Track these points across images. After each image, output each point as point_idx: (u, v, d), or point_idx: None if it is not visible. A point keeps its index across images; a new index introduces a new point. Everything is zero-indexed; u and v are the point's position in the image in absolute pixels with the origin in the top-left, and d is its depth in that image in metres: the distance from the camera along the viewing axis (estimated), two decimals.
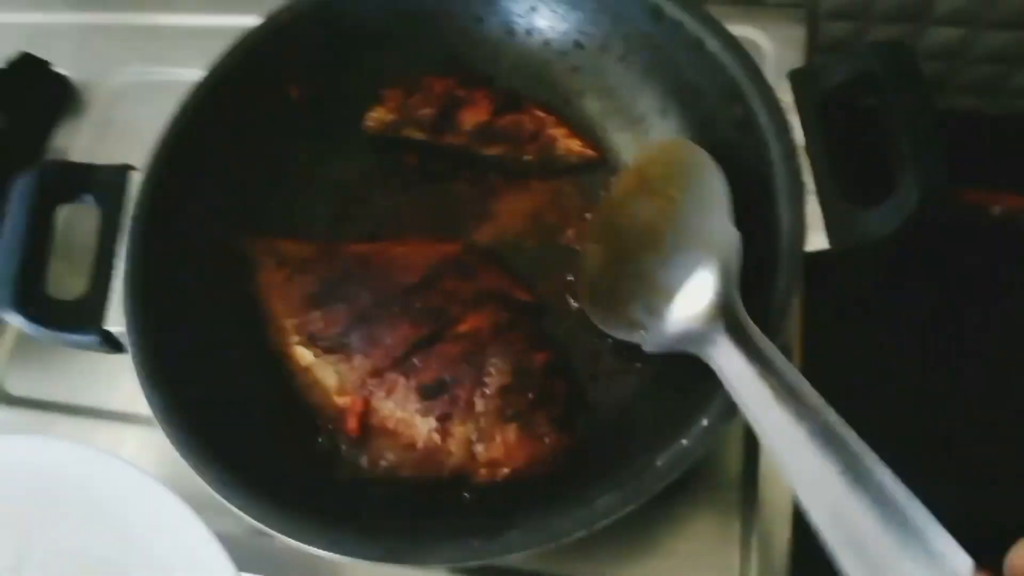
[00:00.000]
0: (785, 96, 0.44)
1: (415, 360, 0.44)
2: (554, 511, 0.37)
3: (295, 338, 0.46)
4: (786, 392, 0.33)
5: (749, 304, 0.40)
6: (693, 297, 0.39)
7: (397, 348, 0.44)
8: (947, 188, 0.39)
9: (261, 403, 0.46)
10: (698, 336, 0.37)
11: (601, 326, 0.45)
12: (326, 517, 0.39)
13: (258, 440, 0.44)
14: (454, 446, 0.42)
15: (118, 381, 0.55)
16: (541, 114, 0.53)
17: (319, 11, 0.52)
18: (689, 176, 0.43)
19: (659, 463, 0.37)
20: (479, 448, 0.42)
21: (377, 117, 0.53)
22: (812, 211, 0.41)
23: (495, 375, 0.43)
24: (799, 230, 0.40)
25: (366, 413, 0.44)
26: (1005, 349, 0.65)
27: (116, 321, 0.44)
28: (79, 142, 0.65)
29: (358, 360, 0.44)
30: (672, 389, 0.44)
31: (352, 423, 0.44)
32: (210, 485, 0.38)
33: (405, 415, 0.43)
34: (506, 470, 0.42)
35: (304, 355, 0.46)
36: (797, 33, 0.60)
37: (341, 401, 0.44)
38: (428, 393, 0.43)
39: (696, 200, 0.42)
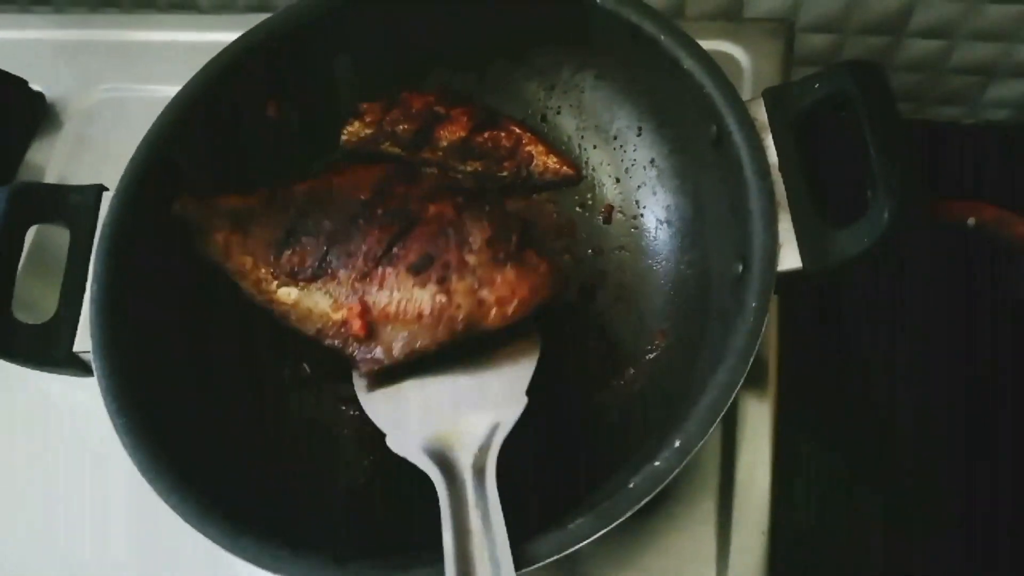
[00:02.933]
0: (760, 114, 0.44)
1: (395, 251, 0.45)
2: (527, 534, 0.37)
3: (275, 283, 0.47)
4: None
5: (722, 325, 0.40)
6: (465, 434, 0.42)
7: (374, 250, 0.46)
8: (919, 209, 0.39)
9: (239, 424, 0.46)
10: (447, 463, 0.40)
11: (365, 395, 0.46)
12: (301, 544, 0.38)
13: (234, 463, 0.43)
14: (460, 299, 0.43)
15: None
16: (518, 131, 0.53)
17: (296, 29, 0.52)
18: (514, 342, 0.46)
19: (632, 485, 0.37)
20: (484, 293, 0.43)
21: (354, 131, 0.53)
22: (786, 229, 0.41)
23: (476, 233, 0.45)
24: (772, 249, 0.40)
25: (366, 311, 0.45)
26: (981, 359, 0.66)
27: (87, 342, 0.44)
28: (54, 159, 0.65)
29: (343, 275, 0.46)
30: (645, 410, 0.44)
31: (356, 325, 0.44)
32: (179, 514, 0.38)
33: (403, 294, 0.44)
34: (515, 304, 0.43)
35: (289, 293, 0.47)
36: (775, 47, 0.60)
37: (339, 315, 0.45)
38: (419, 268, 0.44)
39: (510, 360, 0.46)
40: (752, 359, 0.38)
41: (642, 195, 0.51)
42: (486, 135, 0.52)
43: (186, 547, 0.40)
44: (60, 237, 0.47)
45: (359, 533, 0.43)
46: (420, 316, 0.43)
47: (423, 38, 0.53)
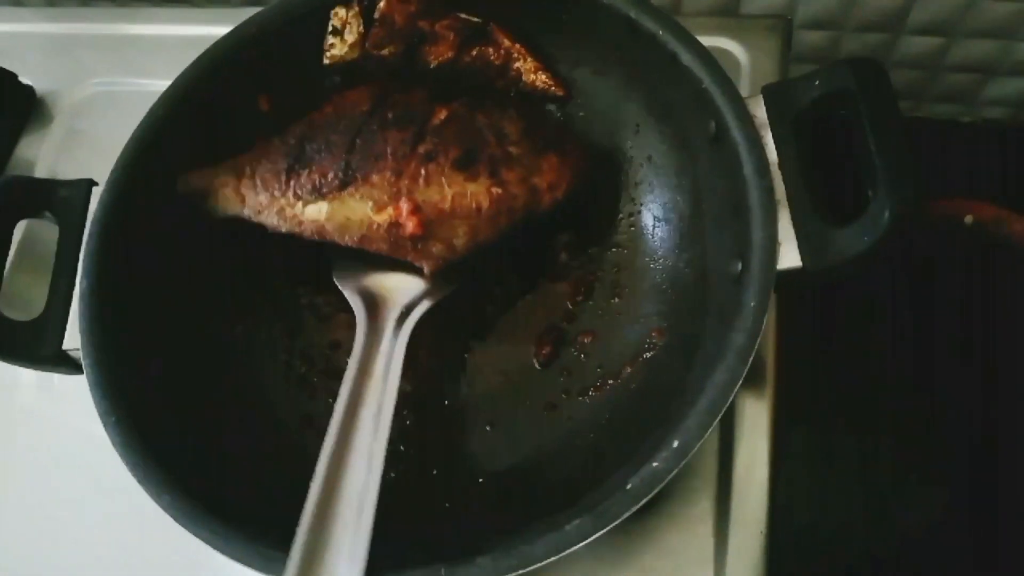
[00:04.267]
0: (759, 111, 0.44)
1: (430, 148, 0.45)
2: (524, 536, 0.37)
3: (299, 204, 0.46)
4: None
5: (721, 323, 0.40)
6: (398, 290, 0.48)
7: (400, 149, 0.45)
8: (919, 207, 0.38)
9: (230, 422, 0.45)
10: (375, 307, 0.47)
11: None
12: (289, 543, 0.38)
13: (225, 462, 0.43)
14: (515, 188, 0.45)
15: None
16: (507, 43, 0.51)
17: (288, 21, 0.51)
18: None
19: (630, 486, 0.36)
20: (536, 180, 0.46)
21: (336, 55, 0.52)
22: (785, 227, 0.41)
23: (509, 125, 0.47)
24: (771, 248, 0.40)
25: (416, 209, 0.44)
26: (981, 357, 0.66)
27: (76, 339, 0.43)
28: (44, 154, 0.64)
29: (375, 178, 0.45)
30: (643, 410, 0.44)
31: (411, 224, 0.44)
32: (170, 514, 0.38)
33: (456, 189, 0.45)
34: (564, 186, 0.47)
35: (319, 209, 0.46)
36: (773, 44, 0.60)
37: (383, 216, 0.45)
38: (465, 162, 0.45)
39: None
40: (751, 359, 0.38)
41: (640, 193, 0.51)
42: (474, 52, 0.51)
43: (174, 548, 0.40)
44: (49, 232, 0.47)
45: None
46: (479, 209, 0.45)
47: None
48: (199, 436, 0.43)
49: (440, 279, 0.47)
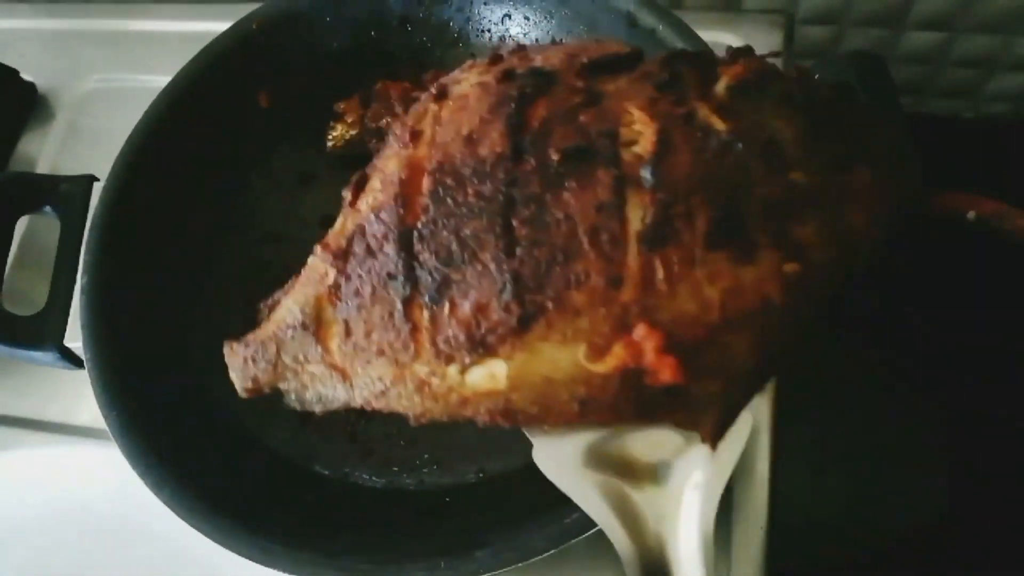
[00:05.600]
0: None
1: (653, 210, 0.26)
2: (524, 529, 0.37)
3: (450, 372, 0.28)
4: None
5: None
6: None
7: (603, 225, 0.26)
8: (920, 202, 0.38)
9: (231, 417, 0.45)
10: None
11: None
12: (293, 538, 0.38)
13: (226, 458, 0.43)
14: (821, 252, 0.27)
15: (85, 395, 0.54)
16: None
17: (287, 17, 0.51)
18: None
19: None
20: (847, 224, 0.28)
21: (339, 135, 0.52)
22: None
23: (781, 128, 0.27)
24: None
25: (667, 336, 0.26)
26: (982, 353, 0.66)
27: (77, 335, 0.43)
28: (46, 150, 0.64)
29: (577, 297, 0.26)
30: None
31: (664, 366, 0.26)
32: (171, 508, 0.38)
33: (724, 284, 0.26)
34: (886, 220, 0.29)
35: (490, 373, 0.28)
36: (775, 39, 0.60)
37: (609, 363, 0.26)
38: (727, 229, 0.26)
39: None
40: None
41: None
42: None
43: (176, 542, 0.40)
44: (51, 228, 0.47)
45: (353, 528, 0.42)
46: (766, 306, 0.26)
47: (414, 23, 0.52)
48: (201, 430, 0.43)
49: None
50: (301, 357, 0.31)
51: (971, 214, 0.63)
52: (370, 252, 0.29)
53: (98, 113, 0.65)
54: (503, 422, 0.27)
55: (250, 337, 0.33)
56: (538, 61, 0.30)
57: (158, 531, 0.41)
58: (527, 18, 0.52)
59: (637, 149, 0.27)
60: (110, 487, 0.44)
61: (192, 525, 0.37)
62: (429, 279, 0.28)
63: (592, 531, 0.36)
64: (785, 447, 0.48)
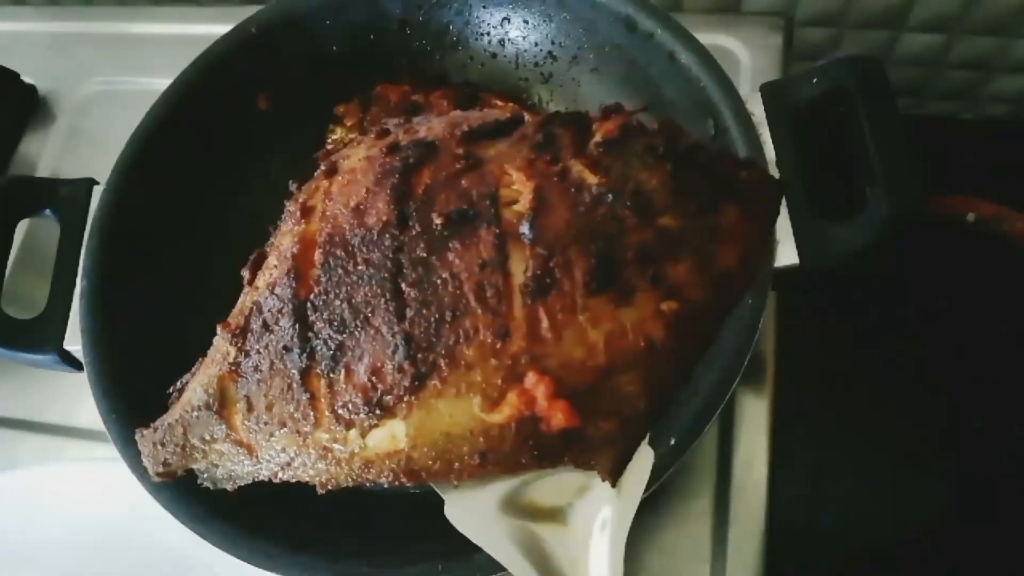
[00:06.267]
0: (757, 109, 0.44)
1: (536, 263, 0.27)
2: None
3: (351, 436, 0.29)
4: None
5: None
6: None
7: (486, 281, 0.27)
8: (918, 204, 0.38)
9: None
10: None
11: None
12: (293, 542, 0.38)
13: None
14: (696, 291, 0.28)
15: (85, 397, 0.54)
16: (500, 104, 0.51)
17: (287, 20, 0.51)
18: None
19: None
20: (721, 262, 0.29)
21: (338, 139, 0.52)
22: (783, 225, 0.41)
23: (647, 179, 0.28)
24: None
25: (557, 383, 0.27)
26: (981, 355, 0.66)
27: (77, 339, 0.43)
28: (46, 153, 0.64)
29: (467, 352, 0.27)
30: None
31: (557, 411, 0.27)
32: (172, 513, 0.38)
33: (608, 326, 0.27)
34: (761, 251, 0.31)
35: (390, 434, 0.28)
36: (774, 41, 0.60)
37: (503, 413, 0.27)
38: (606, 276, 0.27)
39: None
40: (748, 357, 0.38)
41: None
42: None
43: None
44: (51, 231, 0.47)
45: (353, 531, 0.42)
46: (650, 345, 0.27)
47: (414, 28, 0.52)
48: None
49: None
50: (208, 436, 0.32)
51: (971, 216, 0.63)
52: (267, 327, 0.30)
53: (98, 116, 0.65)
54: (408, 481, 0.28)
55: (159, 422, 0.33)
56: (422, 132, 0.32)
57: (158, 538, 0.41)
58: (526, 22, 0.52)
59: (517, 207, 0.28)
60: (112, 496, 0.44)
61: (192, 529, 0.37)
62: (324, 348, 0.29)
63: None
64: (784, 450, 0.48)
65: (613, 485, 0.29)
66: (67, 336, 0.44)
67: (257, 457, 0.31)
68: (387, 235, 0.29)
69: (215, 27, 0.51)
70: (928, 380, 0.65)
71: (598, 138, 0.30)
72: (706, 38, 0.45)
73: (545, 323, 0.27)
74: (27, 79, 0.66)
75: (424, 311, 0.28)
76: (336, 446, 0.29)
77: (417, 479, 0.28)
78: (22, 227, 0.49)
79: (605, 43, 0.49)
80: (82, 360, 0.42)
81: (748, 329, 0.38)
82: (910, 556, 0.62)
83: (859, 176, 0.40)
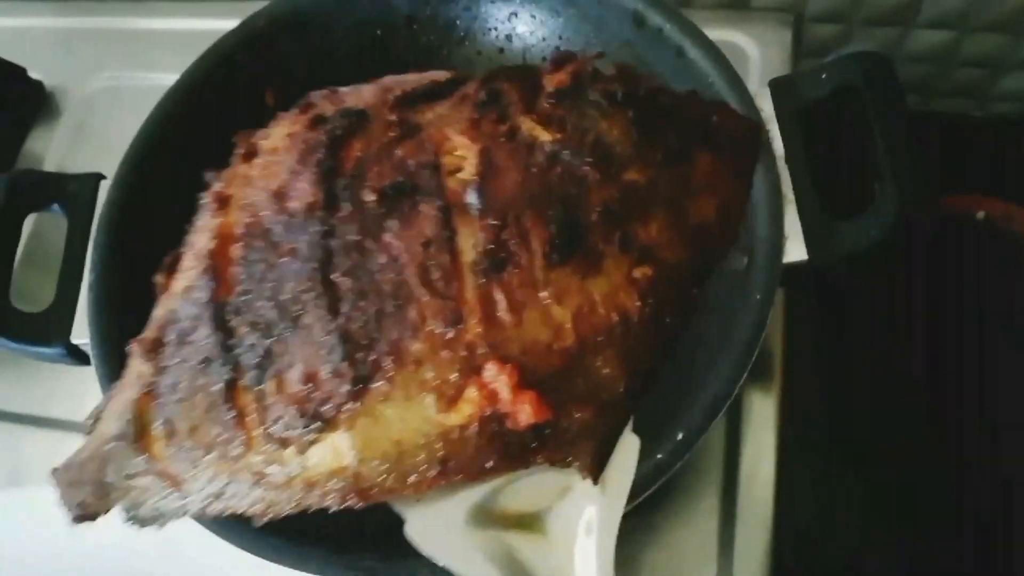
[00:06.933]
0: (766, 105, 0.43)
1: (488, 237, 0.24)
2: None
3: (288, 455, 0.25)
4: None
5: (727, 317, 0.40)
6: None
7: (432, 261, 0.24)
8: (926, 200, 0.38)
9: None
10: None
11: None
12: (300, 534, 0.38)
13: None
14: (671, 251, 0.26)
15: (92, 391, 0.54)
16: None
17: (294, 16, 0.51)
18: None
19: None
20: (696, 216, 0.28)
21: None
22: (791, 221, 0.41)
23: (609, 128, 0.26)
24: (777, 242, 0.40)
25: (522, 373, 0.24)
26: (989, 353, 0.65)
27: (84, 332, 0.43)
28: (53, 148, 0.64)
29: (415, 346, 0.23)
30: (648, 403, 0.43)
31: (524, 404, 0.24)
32: None
33: (576, 301, 0.24)
34: (740, 201, 0.31)
35: (332, 449, 0.25)
36: (783, 37, 0.60)
37: (464, 413, 0.24)
38: (568, 243, 0.24)
39: None
40: (756, 353, 0.38)
41: None
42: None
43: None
44: (58, 226, 0.47)
45: (359, 524, 0.42)
46: (626, 319, 0.24)
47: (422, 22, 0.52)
48: None
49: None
50: (127, 471, 0.26)
51: (980, 214, 0.63)
52: (184, 338, 0.26)
53: (105, 111, 0.65)
54: (359, 501, 0.24)
55: (71, 458, 0.29)
56: (350, 101, 0.29)
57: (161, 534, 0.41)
58: (534, 16, 0.52)
59: (462, 175, 0.25)
60: None
61: (199, 521, 0.37)
62: (249, 356, 0.24)
63: None
64: (791, 446, 0.48)
65: (595, 482, 0.26)
66: (74, 330, 0.44)
67: (184, 489, 0.26)
68: (314, 219, 0.25)
69: (222, 23, 0.51)
70: (936, 377, 0.65)
71: (549, 90, 0.27)
72: (715, 34, 0.45)
73: (502, 304, 0.23)
74: (34, 74, 0.66)
75: (361, 303, 0.23)
76: (272, 469, 0.25)
77: (369, 497, 0.24)
78: (29, 221, 0.49)
79: (613, 39, 0.49)
80: (89, 354, 0.42)
81: (756, 324, 0.38)
82: (920, 554, 0.62)
83: (868, 173, 0.40)
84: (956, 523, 0.62)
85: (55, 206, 0.47)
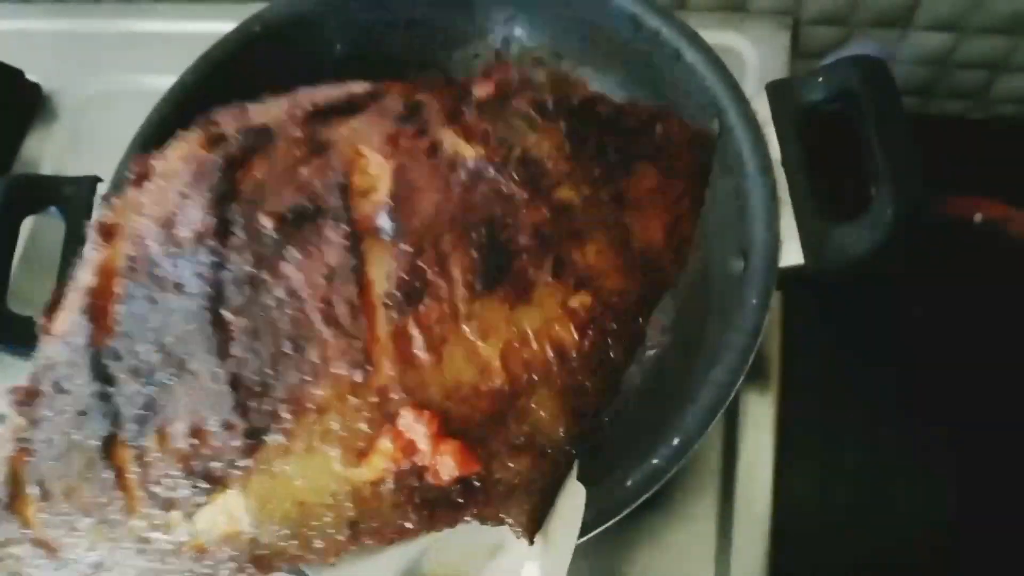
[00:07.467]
0: (763, 109, 0.44)
1: (401, 268, 0.21)
2: None
3: (172, 519, 0.22)
4: None
5: (723, 321, 0.40)
6: None
7: (337, 294, 0.21)
8: (923, 205, 0.38)
9: None
10: None
11: None
12: None
13: None
14: (613, 280, 0.23)
15: None
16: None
17: (292, 19, 0.51)
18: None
19: (630, 482, 0.36)
20: (639, 239, 0.24)
21: None
22: (788, 224, 0.41)
23: (538, 142, 0.23)
24: (773, 246, 0.40)
25: (442, 421, 0.21)
26: (987, 356, 0.65)
27: None
28: (50, 151, 0.64)
29: (317, 393, 0.21)
30: (644, 408, 0.44)
31: (449, 459, 0.21)
32: None
33: (504, 336, 0.22)
34: (690, 222, 0.27)
35: (223, 512, 0.22)
36: (781, 40, 0.60)
37: (376, 468, 0.22)
38: (494, 270, 0.22)
39: None
40: (752, 357, 0.38)
41: None
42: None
43: None
44: (55, 229, 0.47)
45: None
46: (563, 354, 0.22)
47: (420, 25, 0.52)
48: None
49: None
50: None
51: (979, 217, 0.63)
52: (60, 387, 0.23)
53: (103, 114, 0.65)
54: (258, 571, 0.20)
55: None
56: (254, 117, 0.25)
57: None
58: (531, 20, 0.52)
59: (374, 196, 0.22)
60: None
61: None
62: (129, 407, 0.22)
63: (592, 534, 0.36)
64: (789, 450, 0.48)
65: (530, 541, 0.22)
66: None
67: (62, 559, 0.22)
68: (203, 249, 0.22)
69: (220, 25, 0.51)
70: (935, 381, 0.65)
71: (474, 99, 0.24)
72: (712, 37, 0.45)
73: (419, 341, 0.20)
74: (31, 77, 0.66)
75: (255, 344, 0.21)
76: (156, 535, 0.21)
77: (269, 567, 0.21)
78: (26, 225, 0.49)
79: (610, 42, 0.49)
80: None
81: (753, 329, 0.38)
82: (918, 556, 0.62)
83: (865, 177, 0.40)
84: (959, 524, 0.62)
85: (52, 209, 0.47)
